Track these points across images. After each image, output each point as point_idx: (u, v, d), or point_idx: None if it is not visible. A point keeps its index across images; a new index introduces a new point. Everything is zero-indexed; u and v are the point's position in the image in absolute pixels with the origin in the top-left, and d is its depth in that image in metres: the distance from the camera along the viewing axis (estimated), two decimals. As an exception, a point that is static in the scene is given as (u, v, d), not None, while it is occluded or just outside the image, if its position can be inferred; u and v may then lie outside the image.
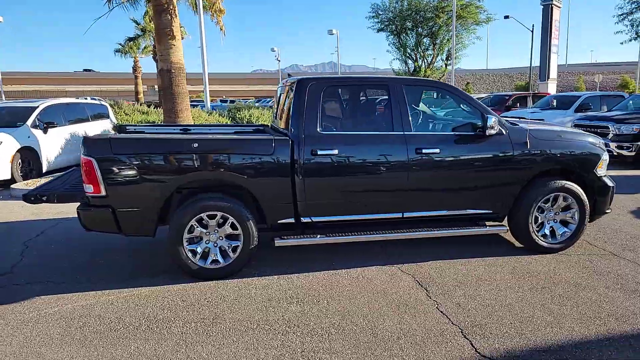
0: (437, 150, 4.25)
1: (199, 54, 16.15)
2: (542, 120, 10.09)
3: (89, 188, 3.78)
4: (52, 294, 3.80)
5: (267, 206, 4.07)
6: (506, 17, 32.45)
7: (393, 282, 3.96)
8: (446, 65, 33.38)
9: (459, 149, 4.35)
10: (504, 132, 4.42)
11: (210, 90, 17.11)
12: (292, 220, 4.15)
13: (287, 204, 4.09)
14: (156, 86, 37.43)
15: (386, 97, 4.38)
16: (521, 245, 4.74)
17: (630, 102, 12.15)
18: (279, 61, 46.95)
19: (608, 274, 4.09)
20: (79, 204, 4.02)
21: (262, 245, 4.27)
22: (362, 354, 2.89)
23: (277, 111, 5.21)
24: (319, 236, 4.23)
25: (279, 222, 4.15)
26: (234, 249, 4.04)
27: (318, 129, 4.11)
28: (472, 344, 2.98)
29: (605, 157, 4.74)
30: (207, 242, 4.01)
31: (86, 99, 12.00)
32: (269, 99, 41.43)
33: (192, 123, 10.45)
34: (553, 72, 29.06)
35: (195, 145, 3.87)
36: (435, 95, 6.41)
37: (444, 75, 33.21)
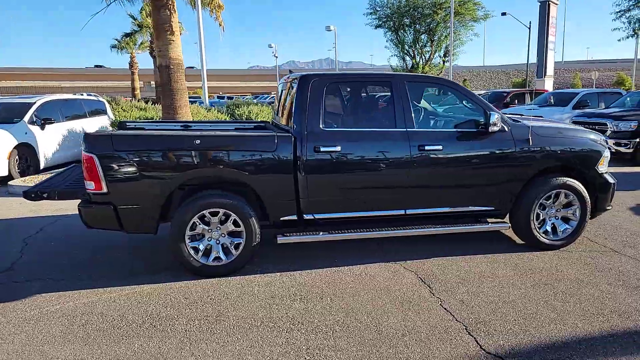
0: (440, 147, 4.25)
1: (196, 50, 16.06)
2: (541, 117, 10.11)
3: (90, 185, 3.75)
4: (53, 291, 3.77)
5: (269, 203, 4.05)
6: (503, 14, 32.50)
7: (396, 279, 3.96)
8: (444, 61, 33.39)
9: (461, 146, 4.34)
10: (507, 129, 4.42)
11: (207, 87, 17.01)
12: (294, 217, 4.14)
13: (290, 201, 4.07)
14: (152, 82, 37.29)
15: (389, 93, 4.36)
16: (523, 242, 4.75)
17: (628, 99, 12.20)
18: (276, 57, 46.82)
19: (609, 270, 4.11)
20: (79, 200, 4.00)
21: (264, 243, 4.25)
22: (367, 351, 2.88)
23: (278, 107, 5.19)
24: (321, 233, 4.22)
25: (281, 219, 4.13)
26: (237, 246, 4.02)
27: (321, 126, 4.09)
28: (477, 341, 2.98)
29: (607, 154, 4.75)
30: (209, 239, 4.00)
31: (82, 95, 11.93)
32: (266, 96, 41.33)
33: (192, 119, 10.39)
34: (550, 69, 29.07)
35: (198, 141, 3.84)
36: (435, 92, 6.38)
37: (441, 71, 33.19)
